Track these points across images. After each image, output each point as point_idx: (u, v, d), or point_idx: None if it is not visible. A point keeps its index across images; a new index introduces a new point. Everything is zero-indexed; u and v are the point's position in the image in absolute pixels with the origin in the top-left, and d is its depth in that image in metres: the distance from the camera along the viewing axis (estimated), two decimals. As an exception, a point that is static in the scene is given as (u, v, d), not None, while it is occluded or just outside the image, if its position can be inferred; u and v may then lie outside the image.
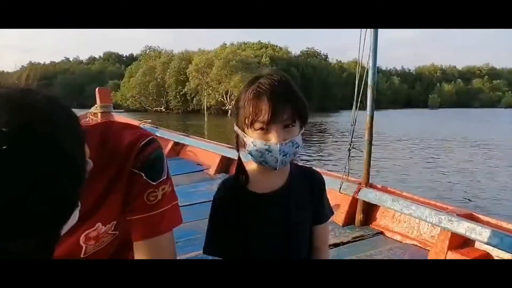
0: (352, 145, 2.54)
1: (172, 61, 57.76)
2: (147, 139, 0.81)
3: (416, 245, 2.18)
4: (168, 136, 4.95)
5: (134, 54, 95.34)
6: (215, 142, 4.51)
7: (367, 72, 2.43)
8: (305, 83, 54.38)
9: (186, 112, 52.35)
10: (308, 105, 0.97)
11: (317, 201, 1.06)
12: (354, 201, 2.50)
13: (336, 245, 2.22)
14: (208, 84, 50.01)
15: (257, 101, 0.89)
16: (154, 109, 57.06)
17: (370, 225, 2.47)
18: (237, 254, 1.00)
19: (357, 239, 2.30)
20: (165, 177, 0.83)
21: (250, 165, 1.02)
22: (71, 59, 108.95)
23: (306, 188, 1.05)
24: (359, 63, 2.46)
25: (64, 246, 0.78)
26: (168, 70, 56.47)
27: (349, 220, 2.51)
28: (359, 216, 2.49)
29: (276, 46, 65.32)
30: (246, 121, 0.92)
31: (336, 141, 14.90)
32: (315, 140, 15.14)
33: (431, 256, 1.99)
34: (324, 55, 78.13)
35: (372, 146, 2.47)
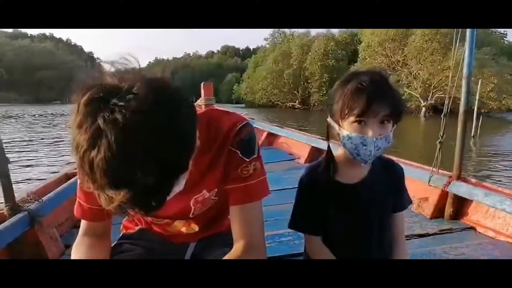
0: (443, 137, 2.47)
1: (315, 42, 43.05)
2: (243, 123, 0.96)
3: (510, 243, 2.06)
4: (263, 127, 5.31)
5: (251, 48, 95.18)
6: (306, 133, 4.68)
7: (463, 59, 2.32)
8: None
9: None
10: (405, 105, 1.04)
11: (396, 190, 1.14)
12: (444, 194, 2.44)
13: (421, 235, 2.20)
14: (398, 64, 32.78)
15: (358, 95, 0.96)
16: (289, 103, 44.11)
17: (461, 220, 2.38)
18: (319, 233, 1.11)
19: (444, 231, 2.26)
20: (256, 155, 0.96)
21: (337, 156, 1.10)
22: (191, 54, 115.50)
23: (387, 179, 1.12)
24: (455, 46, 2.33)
25: (179, 206, 1.01)
26: (309, 54, 42.15)
27: (438, 214, 2.45)
28: (448, 210, 2.42)
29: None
30: (342, 114, 0.99)
31: None
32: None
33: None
34: None
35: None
